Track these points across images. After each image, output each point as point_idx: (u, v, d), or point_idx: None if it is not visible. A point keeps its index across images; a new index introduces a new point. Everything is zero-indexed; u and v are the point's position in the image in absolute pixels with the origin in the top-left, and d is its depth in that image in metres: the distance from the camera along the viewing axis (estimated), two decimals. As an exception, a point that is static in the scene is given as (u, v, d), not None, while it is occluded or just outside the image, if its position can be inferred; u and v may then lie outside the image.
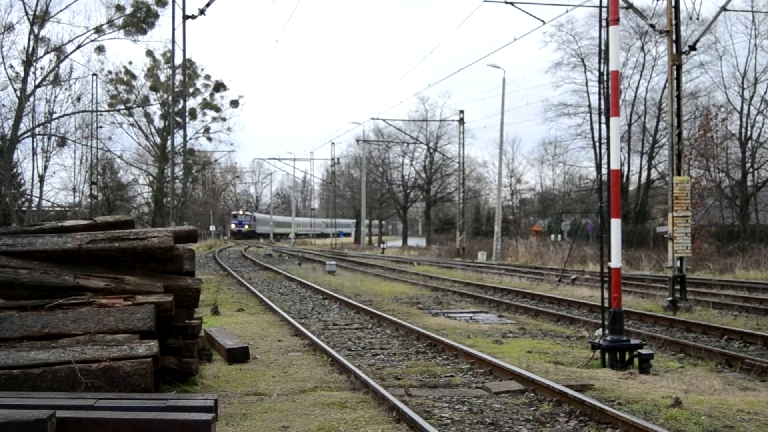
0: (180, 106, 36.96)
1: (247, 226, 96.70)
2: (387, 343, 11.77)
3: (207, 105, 52.73)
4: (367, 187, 69.43)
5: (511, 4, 23.82)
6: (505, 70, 58.09)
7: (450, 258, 45.51)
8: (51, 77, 31.55)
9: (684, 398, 7.45)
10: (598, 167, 10.98)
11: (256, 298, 19.08)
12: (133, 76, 47.90)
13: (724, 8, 19.70)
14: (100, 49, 36.57)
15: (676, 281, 16.89)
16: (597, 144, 48.13)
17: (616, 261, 9.76)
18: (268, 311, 16.37)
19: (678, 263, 17.01)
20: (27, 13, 28.17)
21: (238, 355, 9.97)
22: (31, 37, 28.55)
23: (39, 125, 32.07)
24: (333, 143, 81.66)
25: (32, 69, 29.33)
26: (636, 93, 50.67)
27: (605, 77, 10.08)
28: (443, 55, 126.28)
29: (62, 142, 34.80)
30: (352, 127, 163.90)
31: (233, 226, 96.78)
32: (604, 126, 10.15)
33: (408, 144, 70.84)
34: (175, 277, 8.12)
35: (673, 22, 17.38)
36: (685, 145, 18.95)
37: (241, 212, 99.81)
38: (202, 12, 28.81)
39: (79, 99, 35.80)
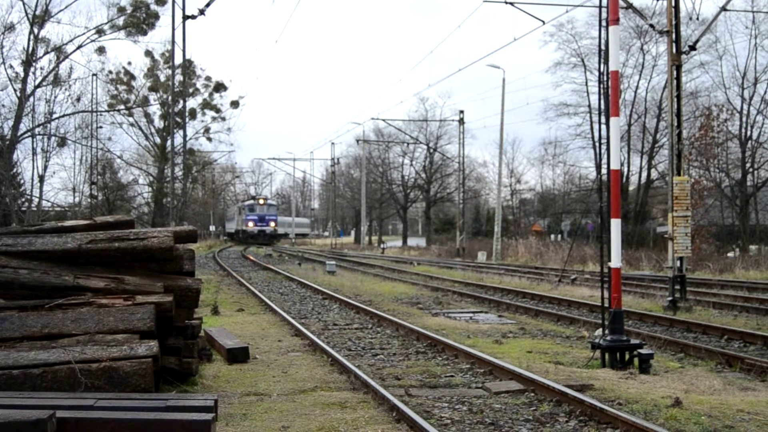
0: (180, 106, 36.98)
1: (273, 224, 67.10)
2: (387, 343, 11.77)
3: (207, 105, 52.73)
4: (367, 187, 69.40)
5: (511, 4, 23.80)
6: (505, 70, 58.16)
7: (450, 258, 45.49)
8: (51, 77, 31.60)
9: (684, 398, 7.45)
10: (598, 167, 10.99)
11: (256, 298, 19.08)
12: (133, 77, 47.92)
13: (724, 8, 19.68)
14: (100, 50, 36.66)
15: (676, 281, 16.89)
16: (597, 144, 48.01)
17: (616, 261, 9.76)
18: (268, 311, 16.37)
19: (678, 263, 17.00)
20: (27, 14, 28.21)
21: (238, 355, 9.97)
22: (31, 37, 28.58)
23: (39, 125, 32.12)
24: (333, 143, 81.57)
25: (32, 69, 29.37)
26: (636, 93, 50.73)
27: (605, 77, 10.08)
28: (443, 55, 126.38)
29: (62, 142, 34.86)
30: (352, 127, 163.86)
31: (250, 224, 65.92)
32: (604, 126, 10.16)
33: (408, 144, 70.81)
34: (175, 277, 8.12)
35: (673, 22, 17.37)
36: (685, 145, 18.94)
37: (261, 201, 68.30)
38: (202, 12, 28.81)
39: (78, 99, 35.89)
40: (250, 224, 65.70)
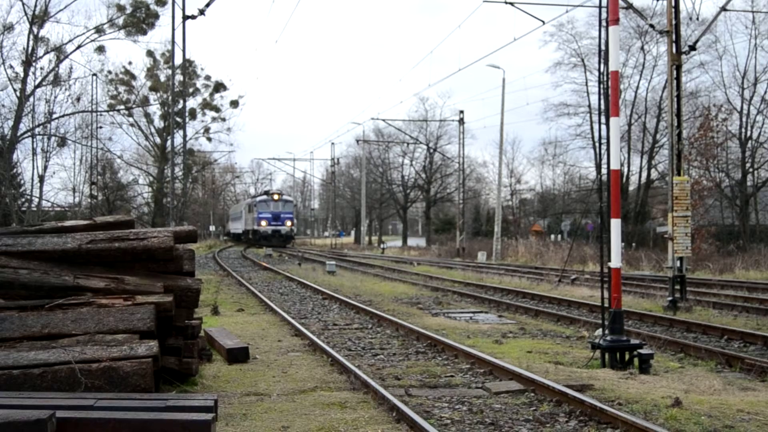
0: (180, 106, 37.00)
1: (289, 223, 58.62)
2: (387, 343, 11.77)
3: (207, 105, 52.80)
4: (367, 187, 69.38)
5: (511, 4, 23.81)
6: (505, 70, 58.18)
7: (450, 258, 45.49)
8: (51, 77, 31.62)
9: (684, 398, 7.45)
10: (598, 167, 11.02)
11: (256, 298, 19.08)
12: (133, 77, 48.01)
13: (724, 8, 19.69)
14: (100, 50, 36.68)
15: (676, 281, 16.89)
16: (597, 144, 48.27)
17: (616, 261, 9.76)
18: (268, 311, 16.37)
19: (678, 263, 17.01)
20: (27, 13, 28.26)
21: (238, 356, 9.97)
22: (31, 37, 28.61)
23: (39, 125, 32.16)
24: (333, 143, 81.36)
25: (32, 69, 29.42)
26: (636, 93, 50.78)
27: (605, 77, 10.08)
28: (443, 55, 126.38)
29: (62, 142, 34.92)
30: (352, 127, 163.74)
31: (263, 223, 56.95)
32: (604, 126, 10.16)
33: (408, 144, 70.80)
34: (175, 277, 8.12)
35: (673, 22, 17.37)
36: (685, 145, 18.94)
37: (276, 196, 59.19)
38: (202, 12, 28.83)
39: (78, 99, 35.96)
40: (263, 223, 56.70)
